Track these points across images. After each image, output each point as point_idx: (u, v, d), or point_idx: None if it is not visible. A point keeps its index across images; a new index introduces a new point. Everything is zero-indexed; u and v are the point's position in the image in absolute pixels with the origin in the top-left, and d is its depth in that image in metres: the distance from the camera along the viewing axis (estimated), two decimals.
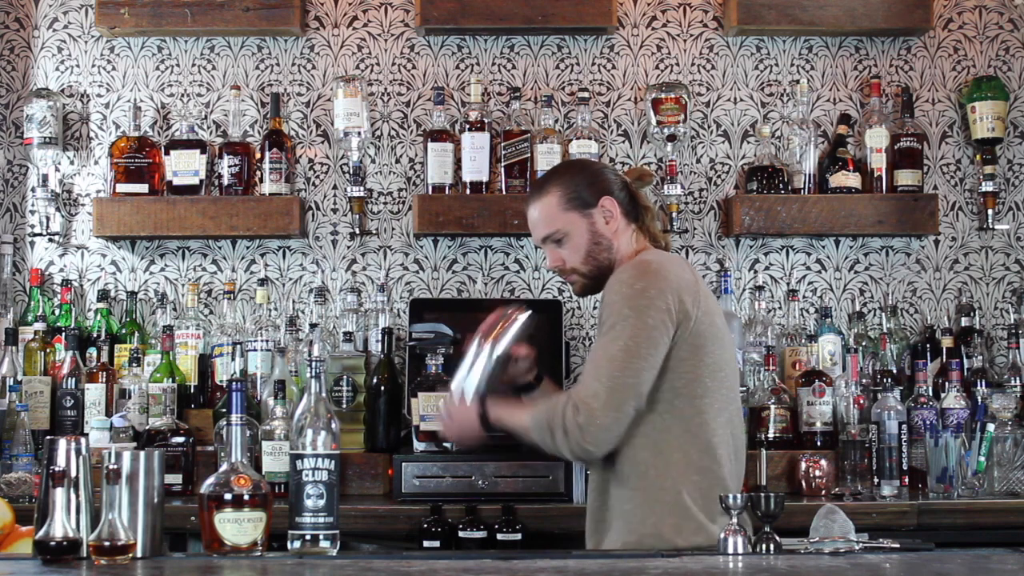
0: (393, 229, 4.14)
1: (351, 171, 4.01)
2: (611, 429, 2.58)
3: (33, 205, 4.06)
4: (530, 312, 2.84)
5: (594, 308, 4.04)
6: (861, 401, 3.68)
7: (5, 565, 2.20)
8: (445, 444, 3.50)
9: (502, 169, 4.00)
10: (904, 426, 3.64)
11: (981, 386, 3.83)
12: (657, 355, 2.60)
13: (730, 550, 2.29)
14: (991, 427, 3.55)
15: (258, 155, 4.05)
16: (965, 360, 3.92)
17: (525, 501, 3.40)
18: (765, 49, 4.22)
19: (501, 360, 2.78)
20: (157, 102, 4.17)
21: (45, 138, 4.04)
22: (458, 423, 2.77)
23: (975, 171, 4.17)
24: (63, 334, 3.83)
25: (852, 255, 4.17)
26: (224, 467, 2.32)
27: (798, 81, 4.15)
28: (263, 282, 4.03)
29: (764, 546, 2.32)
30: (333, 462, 2.35)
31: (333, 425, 2.38)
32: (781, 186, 4.05)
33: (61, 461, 2.22)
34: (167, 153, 4.02)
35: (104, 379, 3.75)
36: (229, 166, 4.02)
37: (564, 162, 3.50)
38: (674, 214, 4.03)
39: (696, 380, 2.65)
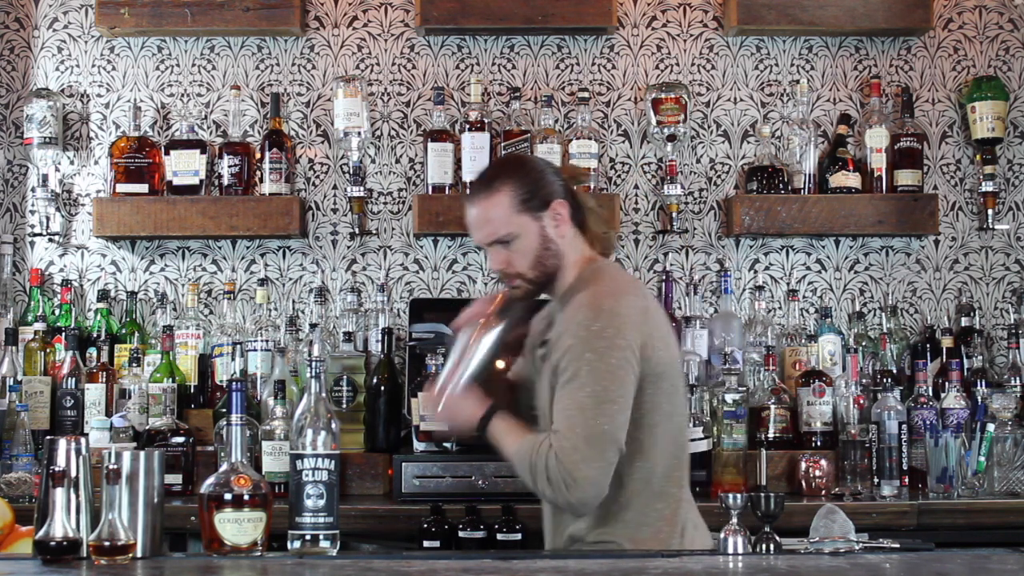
0: (393, 229, 4.14)
1: (351, 171, 4.01)
2: (597, 480, 2.47)
3: (33, 205, 4.06)
4: (510, 289, 2.70)
5: None
6: (861, 401, 3.68)
7: (5, 565, 2.20)
8: (444, 443, 3.48)
9: None
10: (904, 426, 3.64)
11: (981, 386, 3.82)
12: (627, 395, 2.50)
13: (730, 550, 2.29)
14: (991, 427, 3.56)
15: (258, 155, 4.05)
16: (965, 360, 3.92)
17: (525, 501, 3.38)
18: (765, 49, 4.21)
19: (493, 348, 2.68)
20: (157, 102, 4.17)
21: (45, 138, 4.04)
22: (452, 411, 2.66)
23: (975, 171, 4.17)
24: (63, 334, 3.83)
25: (852, 255, 4.17)
26: (224, 467, 2.32)
27: (798, 81, 4.15)
28: (263, 282, 4.03)
29: (764, 546, 2.32)
30: (333, 462, 2.35)
31: (333, 425, 2.39)
32: (781, 186, 4.05)
33: (61, 461, 2.23)
34: (167, 153, 4.02)
35: (104, 379, 3.75)
36: (229, 166, 4.02)
37: (507, 157, 3.16)
38: (674, 214, 4.03)
39: (655, 408, 2.56)
